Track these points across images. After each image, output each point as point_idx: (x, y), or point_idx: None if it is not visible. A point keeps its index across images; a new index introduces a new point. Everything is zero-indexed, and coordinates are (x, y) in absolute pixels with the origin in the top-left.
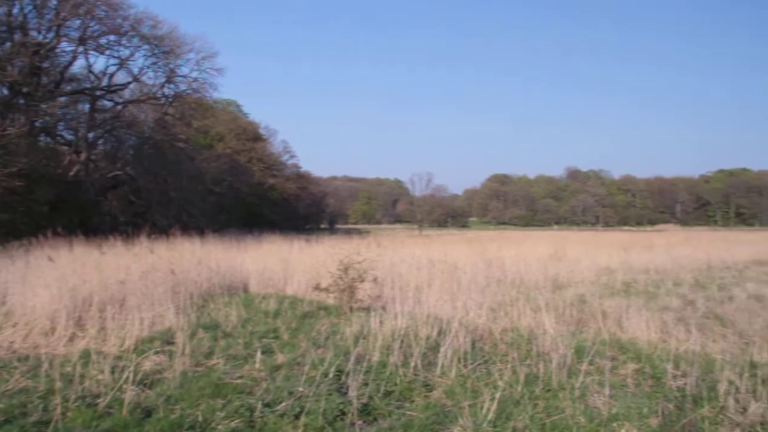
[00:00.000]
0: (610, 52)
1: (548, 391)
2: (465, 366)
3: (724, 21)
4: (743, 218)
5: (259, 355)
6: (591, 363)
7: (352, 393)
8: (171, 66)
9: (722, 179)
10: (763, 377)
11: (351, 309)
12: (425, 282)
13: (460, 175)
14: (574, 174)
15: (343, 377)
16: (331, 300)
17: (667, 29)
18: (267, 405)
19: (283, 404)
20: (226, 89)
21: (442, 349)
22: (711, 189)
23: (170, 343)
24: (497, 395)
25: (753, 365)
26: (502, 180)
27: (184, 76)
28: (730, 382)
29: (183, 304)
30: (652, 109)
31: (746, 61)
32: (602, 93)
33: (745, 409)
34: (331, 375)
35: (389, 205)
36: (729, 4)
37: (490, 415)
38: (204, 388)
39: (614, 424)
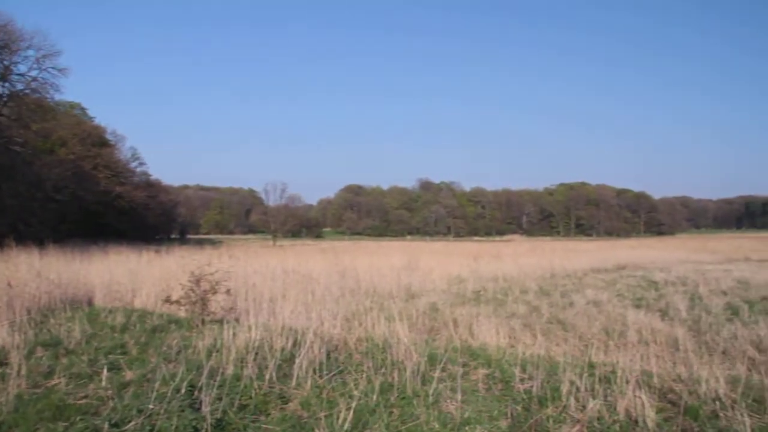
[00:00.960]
0: (462, 65)
1: (403, 398)
2: (320, 377)
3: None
4: (583, 228)
5: (105, 372)
6: (444, 370)
7: (206, 408)
8: (5, 63)
9: (564, 192)
10: (600, 376)
11: (203, 322)
12: (280, 293)
13: (314, 186)
14: (426, 185)
15: (196, 392)
16: (182, 313)
17: (527, 40)
18: (114, 425)
19: (132, 423)
20: (72, 92)
21: (297, 361)
22: (554, 201)
23: (3, 363)
24: (353, 405)
25: (591, 365)
26: (356, 191)
27: (22, 75)
28: (572, 383)
29: (19, 321)
30: (500, 124)
31: (580, 80)
32: (453, 106)
33: (584, 407)
34: (183, 390)
35: (242, 215)
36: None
37: (347, 425)
38: (43, 411)
39: (466, 428)
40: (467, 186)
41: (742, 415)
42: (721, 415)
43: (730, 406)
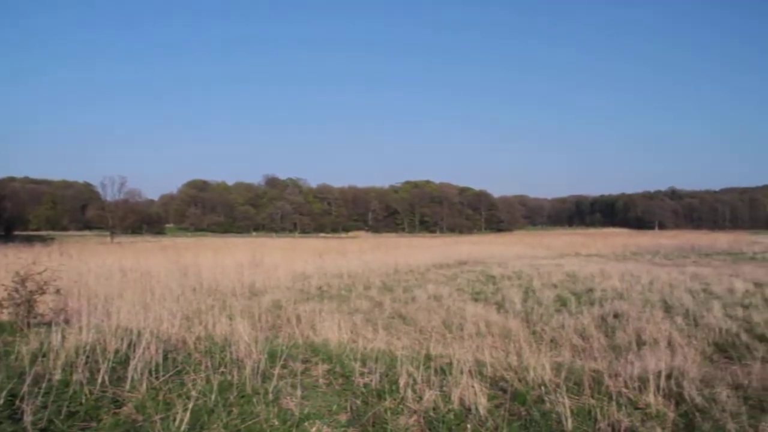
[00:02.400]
0: (312, 56)
1: (242, 397)
2: (157, 378)
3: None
4: (427, 225)
5: None
6: (284, 366)
7: (28, 418)
8: None
9: (409, 190)
10: (437, 368)
11: (29, 325)
12: (116, 292)
13: (155, 180)
14: (272, 182)
15: (17, 401)
16: (5, 316)
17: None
18: None
19: None
20: None
21: (132, 363)
22: (399, 198)
23: None
24: (190, 405)
25: (430, 358)
26: (200, 186)
27: None
28: (409, 375)
29: None
30: (349, 122)
31: (422, 80)
32: (300, 100)
33: (421, 398)
34: (1, 401)
35: (78, 211)
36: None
37: (183, 426)
38: None
39: (306, 424)
40: (314, 182)
41: (563, 397)
42: (546, 399)
43: (553, 390)
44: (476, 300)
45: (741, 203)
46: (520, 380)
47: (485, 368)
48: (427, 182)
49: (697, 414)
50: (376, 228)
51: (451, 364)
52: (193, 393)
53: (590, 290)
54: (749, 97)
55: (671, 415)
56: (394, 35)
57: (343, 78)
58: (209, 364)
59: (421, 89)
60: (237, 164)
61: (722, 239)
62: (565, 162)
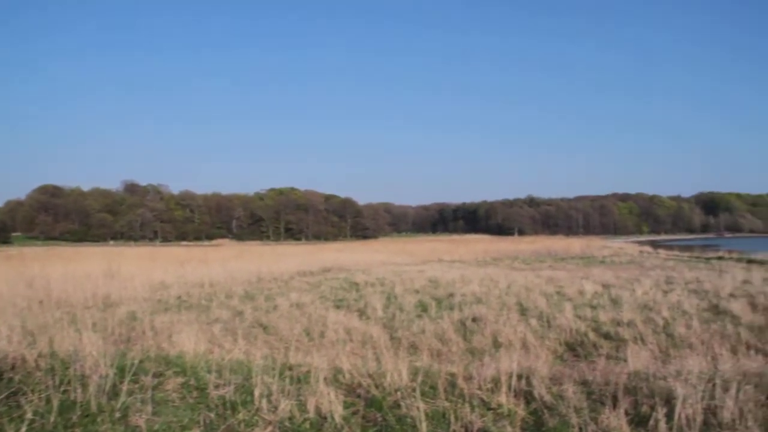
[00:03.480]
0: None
1: (86, 416)
2: None
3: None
4: (292, 233)
5: None
6: (135, 381)
7: None
8: None
9: (274, 197)
10: (295, 377)
11: None
12: None
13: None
14: (131, 188)
15: None
16: None
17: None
18: None
19: None
20: None
21: None
22: (264, 206)
23: None
24: (23, 429)
25: (288, 367)
26: (52, 191)
27: None
28: (265, 385)
29: None
30: (212, 127)
31: (287, 87)
32: (157, 104)
33: (276, 408)
34: None
35: None
36: None
37: None
38: None
39: None
40: (176, 189)
41: (418, 401)
42: (402, 403)
43: (409, 394)
44: (339, 307)
45: (593, 210)
46: (377, 386)
47: (343, 375)
48: (293, 189)
49: (545, 411)
50: (240, 236)
51: (309, 372)
52: (29, 415)
53: (451, 295)
54: (599, 113)
55: (521, 413)
56: (261, 31)
57: (204, 79)
58: (51, 382)
59: (286, 92)
60: (93, 169)
61: (576, 244)
62: (429, 170)
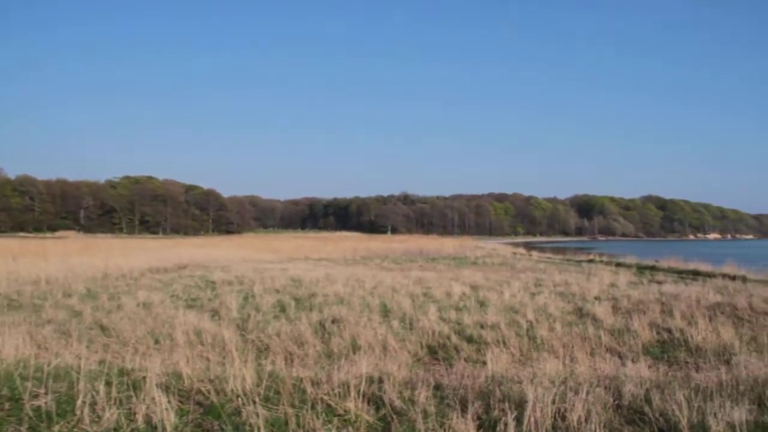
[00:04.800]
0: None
1: None
2: None
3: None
4: (148, 226)
5: None
6: None
7: None
8: None
9: (128, 186)
10: (129, 383)
11: None
12: None
13: None
14: None
15: None
16: None
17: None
18: None
19: None
20: None
21: None
22: (117, 195)
23: None
24: None
25: (123, 372)
26: None
27: None
28: (91, 393)
29: None
30: (51, 107)
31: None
32: None
33: (100, 418)
34: None
35: None
36: None
37: None
38: None
39: None
40: (12, 173)
41: (258, 407)
42: (243, 410)
43: (251, 401)
44: (191, 307)
45: (468, 210)
46: (217, 392)
47: (181, 381)
48: (150, 178)
49: (394, 416)
50: (89, 228)
51: (145, 378)
52: None
53: (313, 295)
54: (477, 112)
55: (369, 419)
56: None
57: (56, 59)
58: None
59: (144, 67)
60: None
61: (449, 244)
62: (300, 163)
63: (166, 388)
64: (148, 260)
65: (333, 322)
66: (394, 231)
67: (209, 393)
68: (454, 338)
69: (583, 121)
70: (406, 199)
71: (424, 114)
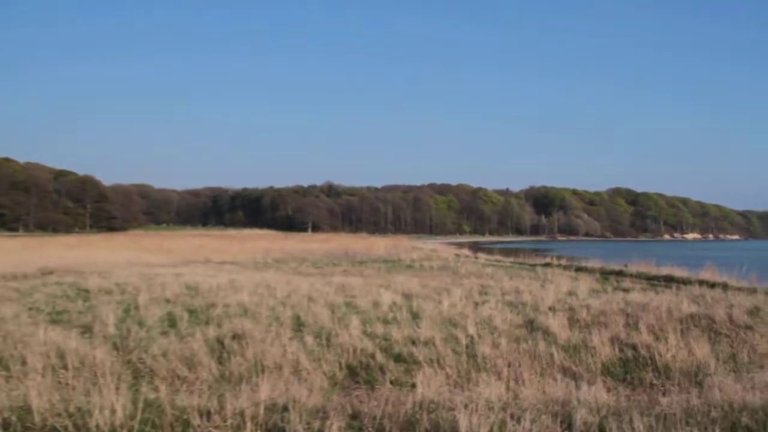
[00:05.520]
0: None
1: None
2: None
3: None
4: (5, 221)
5: None
6: None
7: None
8: None
9: None
10: None
11: None
12: None
13: None
14: None
15: None
16: None
17: None
18: None
19: None
20: None
21: None
22: None
23: None
24: None
25: None
26: None
27: None
28: None
29: None
30: None
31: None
32: None
33: None
34: None
35: None
36: None
37: None
38: None
39: None
40: None
41: None
42: None
43: None
44: (56, 322)
45: (405, 203)
46: (78, 428)
47: (31, 416)
48: (7, 161)
49: None
50: None
51: None
52: None
53: (212, 306)
54: (413, 89)
55: None
56: None
57: None
58: None
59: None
60: None
61: (381, 244)
62: (201, 146)
63: (7, 427)
64: (3, 264)
65: (234, 338)
66: (316, 228)
67: (67, 429)
68: (380, 356)
69: (541, 102)
70: (330, 191)
71: (350, 86)
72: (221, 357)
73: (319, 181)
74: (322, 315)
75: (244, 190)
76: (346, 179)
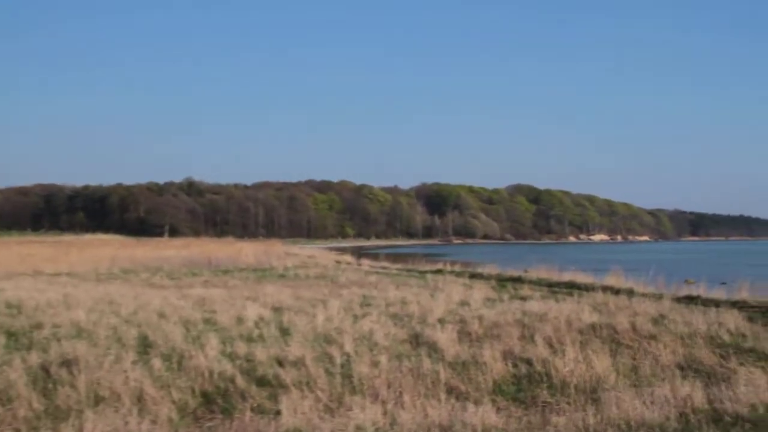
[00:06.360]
0: None
1: None
2: None
3: None
4: None
5: None
6: None
7: None
8: None
9: None
10: None
11: None
12: None
13: None
14: None
15: None
16: None
17: None
18: None
19: None
20: None
21: None
22: None
23: None
24: None
25: None
26: None
27: None
28: None
29: None
30: None
31: None
32: None
33: None
34: None
35: None
36: None
37: None
38: None
39: None
40: None
41: None
42: None
43: None
44: None
45: (279, 203)
46: None
47: None
48: None
49: None
50: None
51: None
52: None
53: (38, 327)
54: (285, 75)
55: None
56: None
57: None
58: None
59: None
60: None
61: (250, 250)
62: (32, 134)
63: None
64: None
65: (63, 364)
66: (174, 232)
67: None
68: (241, 380)
69: (435, 91)
70: (191, 188)
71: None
72: (46, 388)
73: (177, 178)
74: (174, 334)
75: (86, 188)
76: (209, 176)
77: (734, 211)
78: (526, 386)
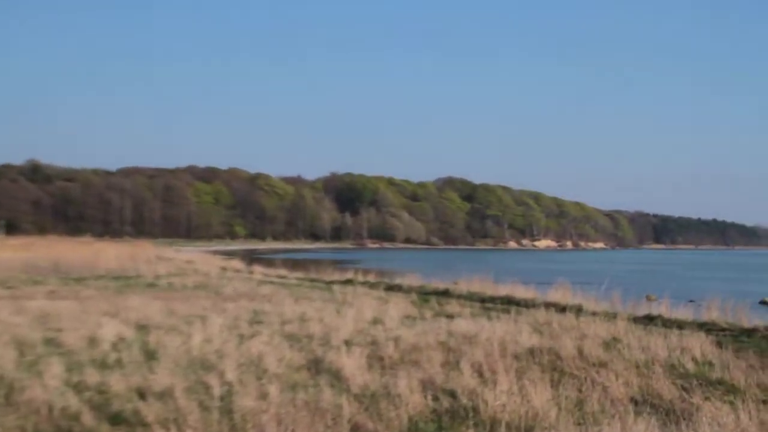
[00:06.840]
0: None
1: None
2: None
3: None
4: None
5: None
6: None
7: None
8: None
9: None
10: None
11: None
12: None
13: None
14: None
15: None
16: None
17: None
18: None
19: None
20: None
21: None
22: None
23: None
24: None
25: None
26: None
27: None
28: None
29: None
30: None
31: None
32: None
33: None
34: None
35: None
36: None
37: None
38: None
39: None
40: None
41: None
42: None
43: None
44: None
45: (151, 193)
46: None
47: None
48: None
49: None
50: None
51: None
52: None
53: None
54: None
55: None
56: None
57: None
58: None
59: None
60: None
61: (112, 252)
62: None
63: None
64: None
65: None
66: (14, 229)
67: None
68: (89, 417)
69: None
70: (36, 173)
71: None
72: None
73: (18, 160)
74: (4, 358)
75: None
76: (61, 158)
77: (706, 214)
78: (448, 424)
